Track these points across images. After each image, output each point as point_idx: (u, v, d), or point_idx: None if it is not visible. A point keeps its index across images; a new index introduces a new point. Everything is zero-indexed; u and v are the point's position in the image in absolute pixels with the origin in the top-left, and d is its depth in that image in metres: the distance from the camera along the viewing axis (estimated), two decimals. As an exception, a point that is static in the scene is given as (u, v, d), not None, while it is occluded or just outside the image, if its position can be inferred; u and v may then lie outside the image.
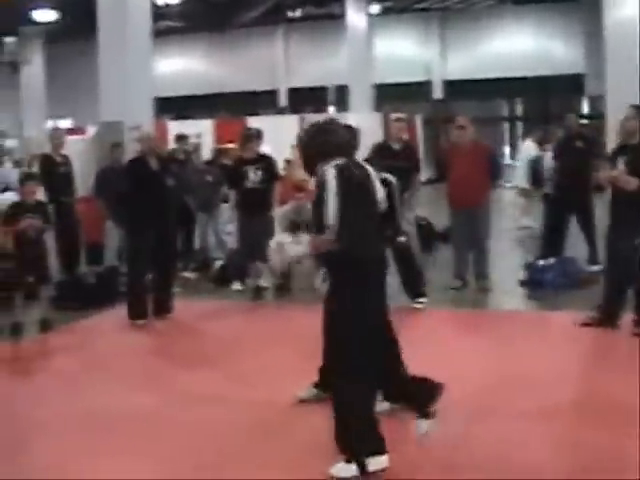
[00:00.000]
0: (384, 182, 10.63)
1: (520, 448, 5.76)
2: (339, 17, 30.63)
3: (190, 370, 8.09)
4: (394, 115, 12.19)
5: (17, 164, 18.71)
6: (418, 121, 29.94)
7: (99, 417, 6.48)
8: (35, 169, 13.26)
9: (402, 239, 10.54)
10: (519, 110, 34.74)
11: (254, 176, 11.38)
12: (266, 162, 11.61)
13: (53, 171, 12.31)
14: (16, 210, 9.78)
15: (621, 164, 8.63)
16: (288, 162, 16.63)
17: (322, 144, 5.66)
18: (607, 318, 8.86)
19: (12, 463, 5.84)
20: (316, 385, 6.74)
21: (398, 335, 5.90)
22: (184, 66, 37.99)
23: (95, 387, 6.79)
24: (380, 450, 5.35)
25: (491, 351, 8.37)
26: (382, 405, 5.92)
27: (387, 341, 5.83)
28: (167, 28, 33.36)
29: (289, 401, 6.82)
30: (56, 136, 12.90)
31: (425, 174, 21.03)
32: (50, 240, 12.19)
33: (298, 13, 33.75)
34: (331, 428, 5.39)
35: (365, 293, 5.40)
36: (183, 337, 9.64)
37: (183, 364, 8.39)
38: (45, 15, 26.33)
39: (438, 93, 34.39)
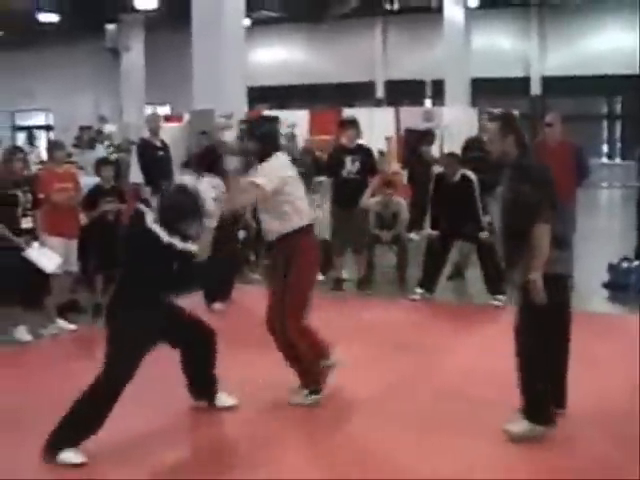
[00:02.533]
0: (464, 178, 10.74)
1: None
2: (437, 10, 30.44)
3: (258, 356, 8.16)
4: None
5: (116, 148, 19.08)
6: (517, 116, 29.57)
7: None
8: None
9: (484, 234, 10.56)
10: (618, 108, 34.05)
11: (351, 166, 11.20)
12: (364, 153, 11.39)
13: (150, 155, 12.49)
14: (95, 195, 10.04)
15: None
16: (382, 154, 16.64)
17: None
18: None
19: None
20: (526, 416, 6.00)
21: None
22: (282, 56, 38.13)
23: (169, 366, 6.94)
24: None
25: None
26: None
27: None
28: (266, 17, 33.55)
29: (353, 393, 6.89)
30: (153, 120, 13.12)
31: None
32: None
33: (396, 5, 33.61)
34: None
35: None
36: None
37: (249, 350, 8.47)
38: (146, 3, 26.68)
39: (536, 89, 33.95)
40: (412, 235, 14.29)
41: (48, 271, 8.84)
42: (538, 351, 5.94)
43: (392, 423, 6.38)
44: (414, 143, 18.78)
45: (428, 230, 11.12)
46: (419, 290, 10.84)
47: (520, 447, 5.83)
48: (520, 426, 5.95)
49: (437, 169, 12.38)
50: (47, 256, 8.81)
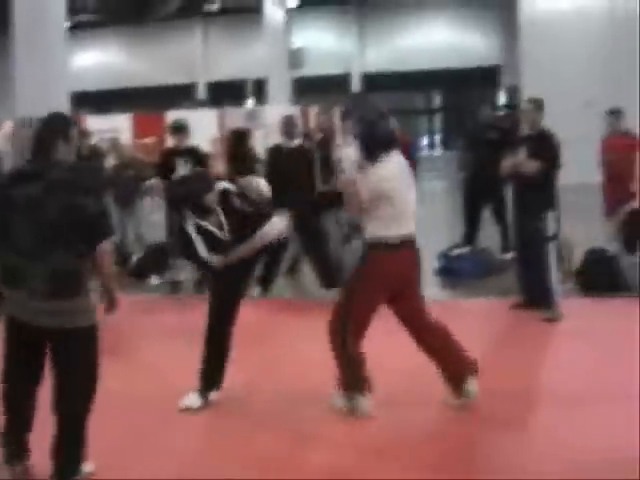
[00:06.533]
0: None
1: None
2: (256, 10, 30.61)
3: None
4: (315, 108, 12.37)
5: None
6: (337, 114, 30.00)
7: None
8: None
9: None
10: (437, 101, 35.05)
11: (184, 168, 11.12)
12: (195, 154, 11.45)
13: None
14: None
15: (522, 153, 9.07)
16: (207, 155, 16.57)
17: None
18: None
19: None
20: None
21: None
22: (102, 60, 37.64)
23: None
24: None
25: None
26: None
27: None
28: (84, 21, 32.99)
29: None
30: None
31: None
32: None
33: (216, 6, 33.66)
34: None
35: None
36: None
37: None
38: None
39: (357, 86, 34.57)
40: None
41: None
42: None
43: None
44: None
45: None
46: (256, 289, 10.86)
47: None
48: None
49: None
50: None
